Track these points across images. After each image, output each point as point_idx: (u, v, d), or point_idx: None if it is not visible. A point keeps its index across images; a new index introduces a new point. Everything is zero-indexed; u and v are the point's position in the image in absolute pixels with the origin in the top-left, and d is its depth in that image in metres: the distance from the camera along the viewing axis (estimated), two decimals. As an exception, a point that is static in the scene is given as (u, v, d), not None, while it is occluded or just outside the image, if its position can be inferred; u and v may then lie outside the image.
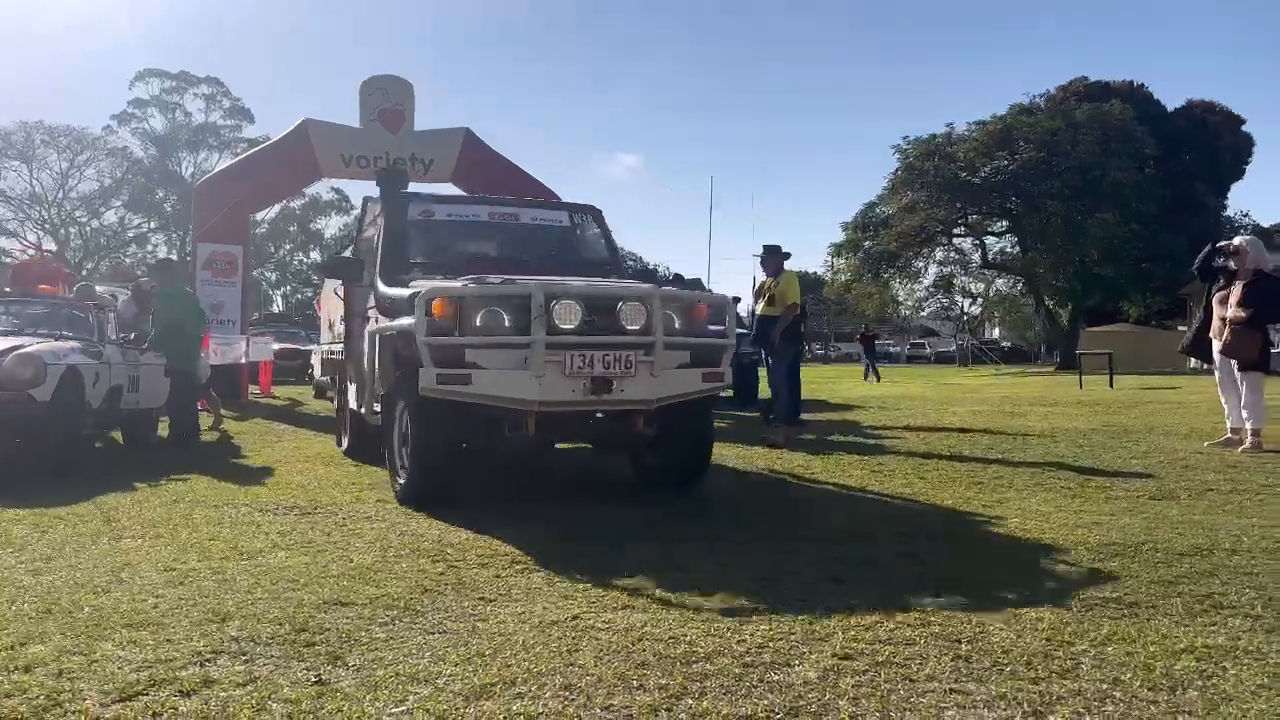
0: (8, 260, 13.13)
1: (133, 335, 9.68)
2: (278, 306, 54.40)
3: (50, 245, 48.69)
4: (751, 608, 3.93)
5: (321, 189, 50.80)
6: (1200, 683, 3.08)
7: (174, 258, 12.71)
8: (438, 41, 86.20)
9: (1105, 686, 3.04)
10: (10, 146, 48.35)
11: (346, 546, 5.09)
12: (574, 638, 3.55)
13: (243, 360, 15.59)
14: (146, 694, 2.97)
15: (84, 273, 39.45)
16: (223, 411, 12.00)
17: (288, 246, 55.98)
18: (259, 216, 29.01)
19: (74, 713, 2.82)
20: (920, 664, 3.26)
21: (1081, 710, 2.86)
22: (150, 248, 50.95)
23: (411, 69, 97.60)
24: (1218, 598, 4.03)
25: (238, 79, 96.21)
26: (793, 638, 3.54)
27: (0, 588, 4.16)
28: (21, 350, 7.39)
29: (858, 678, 3.13)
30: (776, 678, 3.14)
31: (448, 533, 5.47)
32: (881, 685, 3.06)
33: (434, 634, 3.61)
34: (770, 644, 3.46)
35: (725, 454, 8.78)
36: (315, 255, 55.75)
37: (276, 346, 19.61)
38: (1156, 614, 3.82)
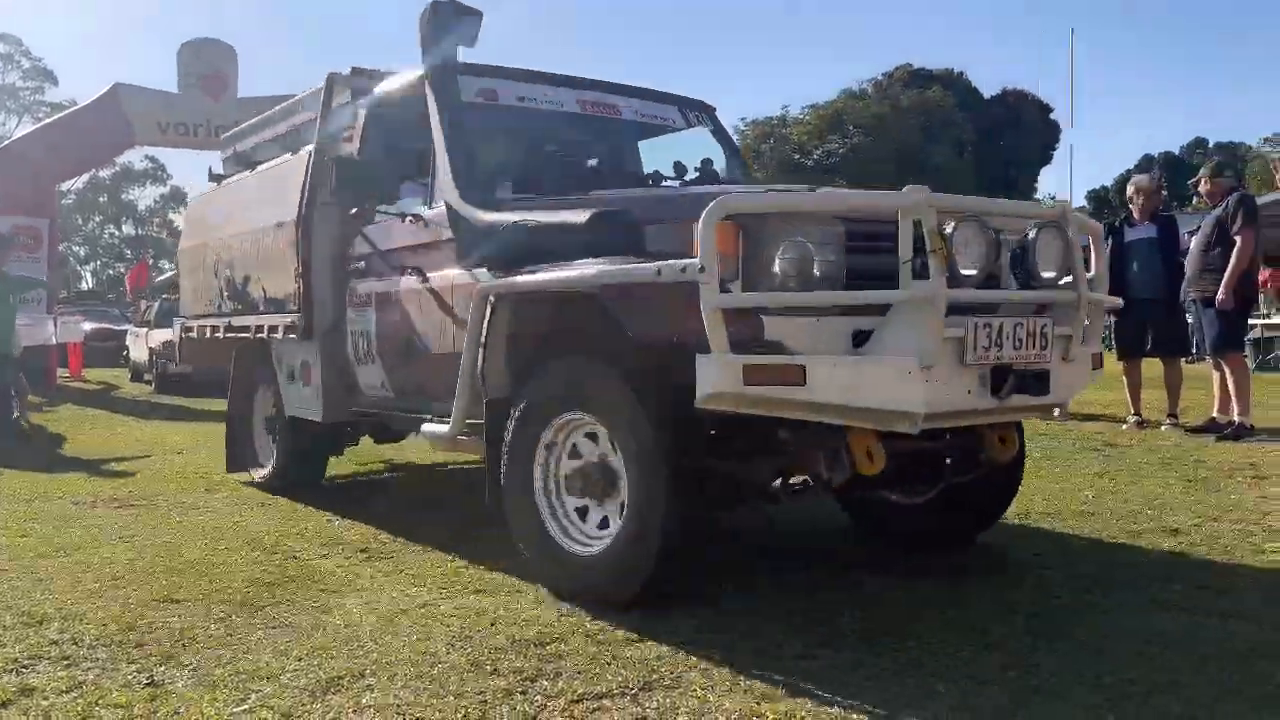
0: None
1: None
2: (88, 283, 50.75)
3: None
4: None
5: (134, 157, 47.57)
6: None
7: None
8: (261, 5, 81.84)
9: None
10: None
11: (175, 540, 4.82)
12: (425, 625, 3.49)
13: (51, 342, 14.48)
14: (-46, 709, 2.74)
15: None
16: (31, 398, 11.10)
17: (98, 219, 52.28)
18: (65, 187, 26.92)
19: None
20: (766, 634, 3.36)
21: None
22: (-63, 219, 46.58)
23: (234, 34, 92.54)
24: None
25: (39, 38, 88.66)
26: (646, 613, 3.58)
27: None
28: None
29: (710, 650, 3.21)
30: (630, 654, 3.18)
31: (286, 522, 5.26)
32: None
33: (275, 628, 3.47)
34: (625, 620, 3.50)
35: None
36: (128, 229, 52.30)
37: (89, 327, 18.33)
38: None
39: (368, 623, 3.52)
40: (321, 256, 5.45)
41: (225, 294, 6.41)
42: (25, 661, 3.10)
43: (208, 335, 6.75)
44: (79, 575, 4.13)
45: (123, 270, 49.02)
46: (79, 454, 8.08)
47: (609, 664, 3.10)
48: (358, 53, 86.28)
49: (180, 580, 4.06)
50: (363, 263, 5.27)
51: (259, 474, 6.43)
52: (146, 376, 15.26)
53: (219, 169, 7.12)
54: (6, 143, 19.04)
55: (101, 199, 51.10)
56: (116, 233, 53.19)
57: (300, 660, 3.13)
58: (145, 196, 52.69)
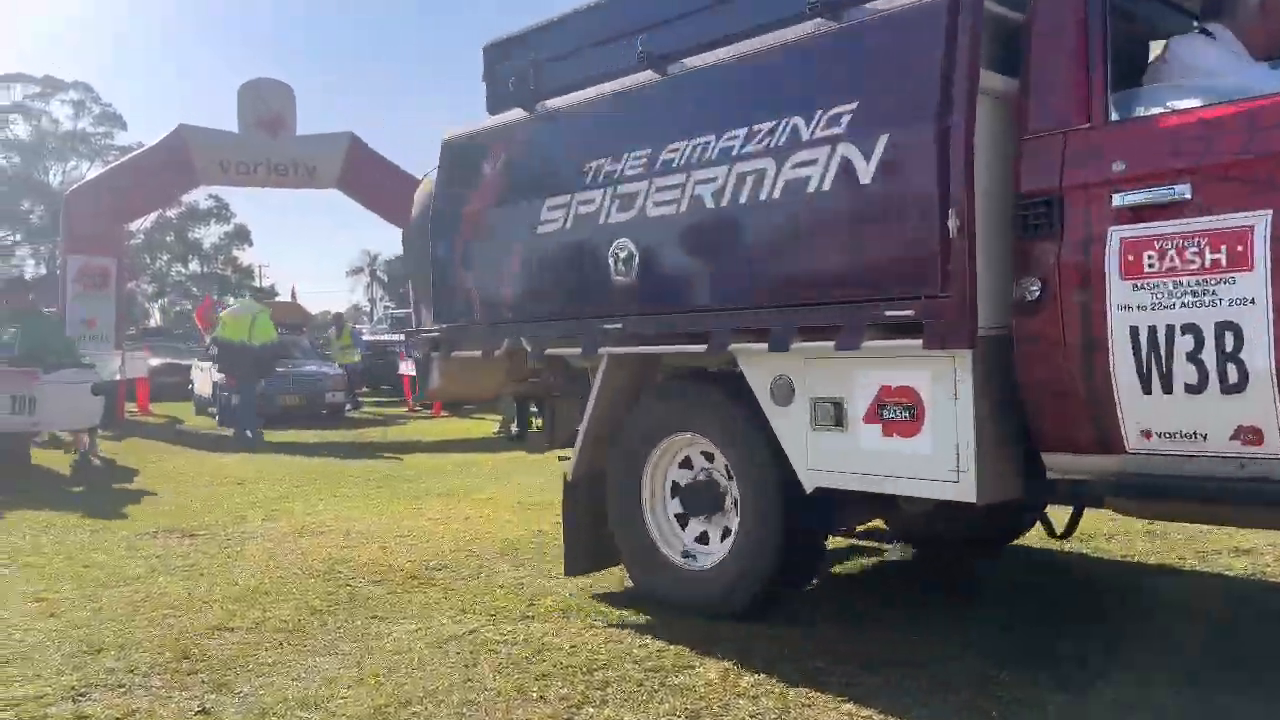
0: None
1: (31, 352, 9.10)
2: (156, 320, 52.23)
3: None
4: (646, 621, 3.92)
5: (199, 197, 48.93)
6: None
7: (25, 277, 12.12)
8: (316, 45, 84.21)
9: None
10: None
11: (231, 569, 4.89)
12: (472, 652, 3.49)
13: (118, 377, 14.88)
14: (13, 736, 2.80)
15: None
16: (101, 433, 11.41)
17: (165, 257, 53.83)
18: (133, 226, 27.85)
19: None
20: (817, 660, 3.29)
21: None
22: (15, 261, 48.28)
23: (292, 73, 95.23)
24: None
25: (108, 84, 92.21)
26: (693, 640, 3.54)
27: None
28: None
29: (756, 677, 3.15)
30: (678, 681, 3.14)
31: (339, 551, 5.31)
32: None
33: (325, 656, 3.49)
34: (671, 648, 3.46)
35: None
36: (194, 266, 53.71)
37: (156, 362, 18.81)
38: None
39: (416, 650, 3.52)
40: (989, 190, 3.05)
41: (621, 276, 3.90)
42: (82, 690, 3.16)
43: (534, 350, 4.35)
44: (138, 604, 4.20)
45: (189, 306, 50.42)
46: (143, 486, 8.26)
47: (656, 691, 3.06)
48: (403, 95, 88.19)
49: (235, 608, 4.11)
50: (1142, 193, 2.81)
51: (660, 581, 4.07)
52: (210, 410, 15.59)
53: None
54: (78, 185, 19.73)
55: (169, 238, 52.63)
56: (183, 270, 54.67)
57: (349, 688, 3.14)
58: (210, 234, 54.12)
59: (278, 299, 31.78)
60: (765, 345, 3.41)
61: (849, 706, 2.89)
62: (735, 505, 3.79)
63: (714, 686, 3.08)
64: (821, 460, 3.43)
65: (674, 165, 3.73)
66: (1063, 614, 3.85)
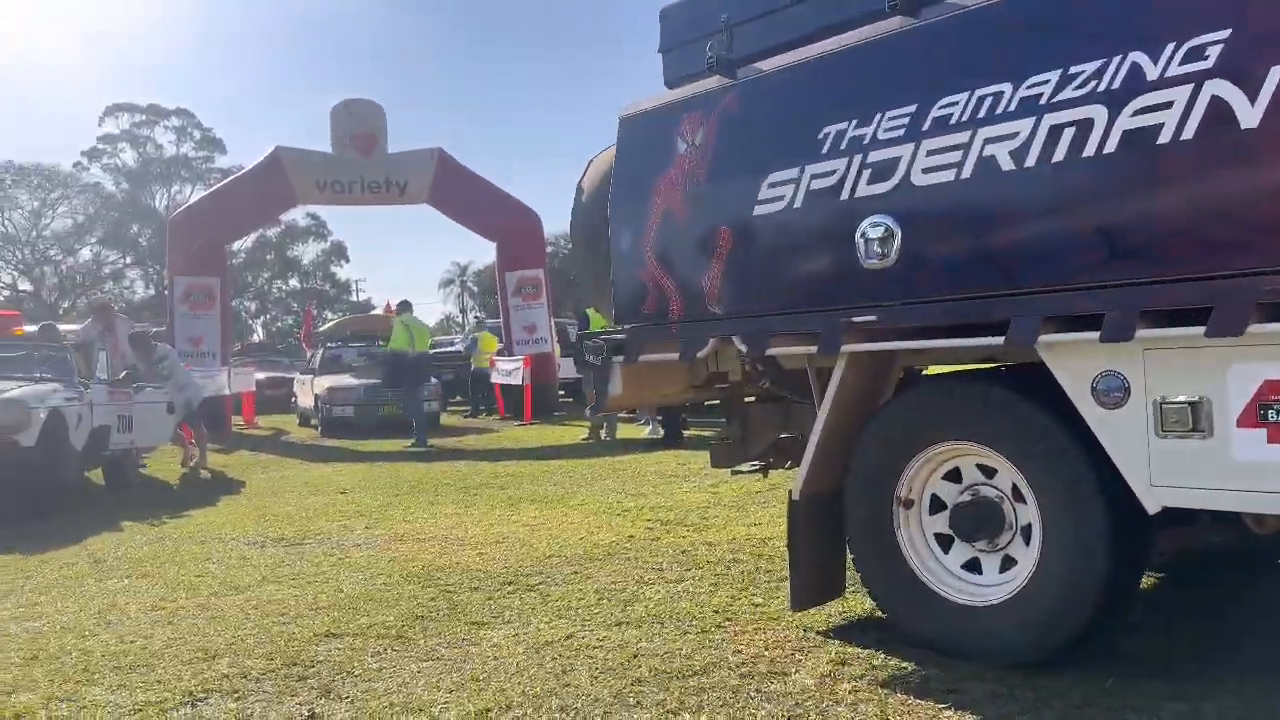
0: None
1: (123, 374, 9.57)
2: (259, 335, 54.12)
3: (26, 286, 48.42)
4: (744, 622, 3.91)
5: (297, 215, 50.60)
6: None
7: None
8: (407, 61, 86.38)
9: None
10: (-21, 188, 48.03)
11: (336, 577, 5.05)
12: (569, 657, 3.53)
13: (226, 392, 15.49)
14: (138, 738, 2.93)
15: (60, 312, 39.11)
16: (210, 446, 11.90)
17: (266, 275, 55.79)
18: (235, 246, 28.96)
19: (64, 762, 2.78)
20: (917, 665, 3.24)
21: None
22: (126, 283, 50.66)
23: (381, 91, 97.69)
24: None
25: (208, 109, 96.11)
26: (788, 645, 3.52)
27: (-14, 637, 4.10)
28: (5, 395, 7.31)
29: (853, 684, 3.12)
30: (774, 688, 3.13)
31: (438, 557, 5.43)
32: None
33: (427, 661, 3.58)
34: (765, 654, 3.45)
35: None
36: (294, 283, 55.56)
37: (261, 376, 19.51)
38: None
39: (514, 655, 3.58)
40: None
41: (874, 259, 3.35)
42: (199, 694, 3.30)
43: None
44: (249, 611, 4.37)
45: (290, 322, 52.17)
46: (251, 496, 8.58)
47: (752, 698, 3.05)
48: (492, 110, 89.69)
49: (341, 615, 4.24)
50: None
51: (920, 615, 3.46)
52: (313, 421, 16.12)
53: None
54: (181, 209, 20.60)
55: (269, 256, 54.55)
56: (283, 287, 56.62)
57: (451, 693, 3.21)
58: (308, 251, 55.96)
59: (374, 312, 32.65)
60: (1089, 334, 2.83)
61: (950, 714, 2.84)
62: (1026, 529, 3.20)
63: (810, 693, 3.06)
64: (1172, 475, 2.80)
65: (951, 122, 3.14)
66: (1185, 620, 3.71)
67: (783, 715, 2.90)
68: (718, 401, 5.23)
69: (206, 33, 77.63)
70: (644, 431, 11.97)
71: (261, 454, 12.45)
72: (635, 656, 3.49)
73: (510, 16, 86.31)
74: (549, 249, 21.94)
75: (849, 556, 3.71)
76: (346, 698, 3.22)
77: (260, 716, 3.07)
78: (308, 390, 16.53)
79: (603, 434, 11.83)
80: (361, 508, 7.45)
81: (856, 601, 3.98)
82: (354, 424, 14.73)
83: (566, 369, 16.35)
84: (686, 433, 11.21)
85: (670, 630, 3.81)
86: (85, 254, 51.95)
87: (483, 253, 57.99)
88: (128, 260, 51.67)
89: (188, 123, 52.36)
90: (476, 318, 26.65)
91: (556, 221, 52.52)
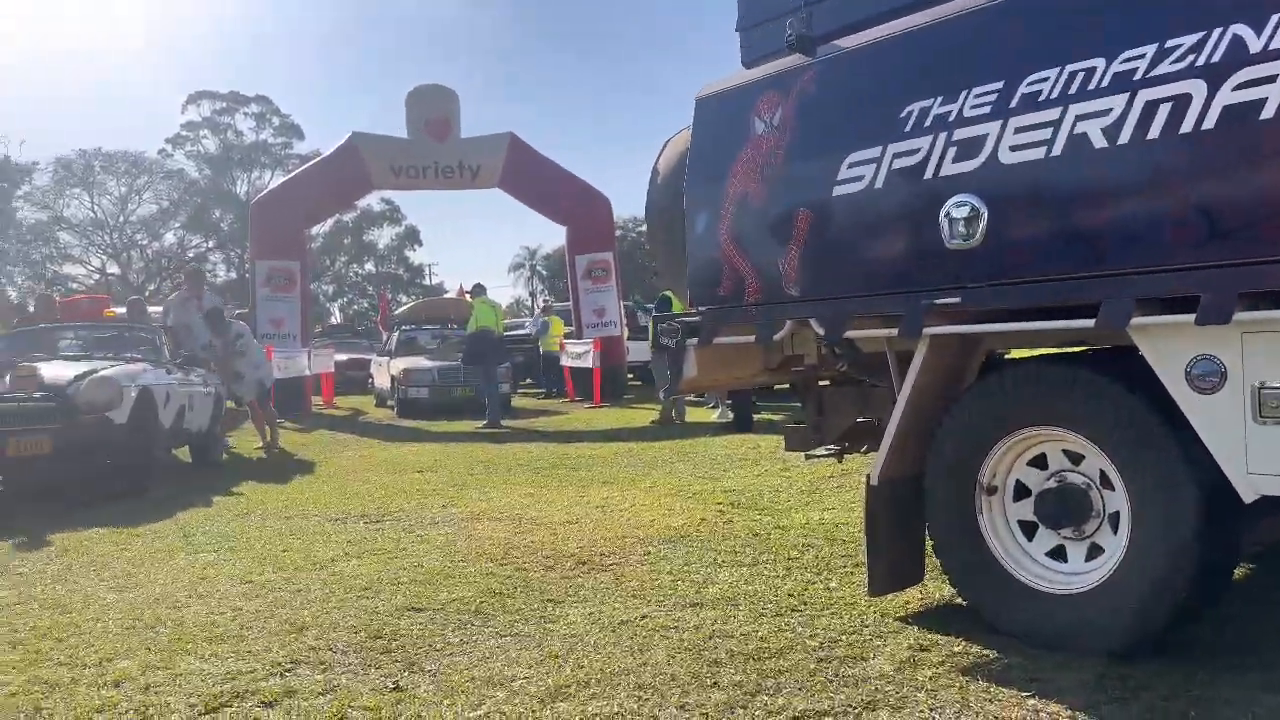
0: (58, 298, 13.56)
1: (186, 353, 9.83)
2: (336, 318, 55.37)
3: (114, 269, 50.19)
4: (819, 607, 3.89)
5: (373, 200, 51.49)
6: None
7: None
8: (481, 47, 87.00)
9: None
10: (72, 175, 49.79)
11: (415, 553, 5.15)
12: (645, 637, 3.56)
13: (306, 373, 15.87)
14: (231, 706, 3.04)
15: (147, 294, 40.47)
16: (286, 423, 12.21)
17: (343, 259, 56.97)
18: (313, 231, 29.62)
19: (163, 725, 2.90)
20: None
21: None
22: (209, 266, 52.12)
23: (455, 77, 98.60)
24: None
25: (285, 95, 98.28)
26: (865, 630, 3.50)
27: (86, 605, 4.28)
28: (98, 374, 7.60)
29: (934, 671, 3.09)
30: (852, 672, 3.11)
31: (513, 536, 5.51)
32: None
33: (505, 637, 3.64)
34: (842, 639, 3.44)
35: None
36: (369, 267, 56.66)
37: (342, 357, 19.94)
38: None
39: (591, 633, 3.62)
40: None
41: (958, 239, 3.28)
42: (288, 666, 3.40)
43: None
44: (333, 586, 4.49)
45: (366, 305, 53.22)
46: (332, 475, 8.80)
47: (830, 681, 3.04)
48: (564, 91, 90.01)
49: (422, 590, 4.33)
50: None
51: (1003, 603, 3.42)
52: (389, 402, 16.43)
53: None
54: (262, 194, 21.12)
55: (345, 240, 55.68)
56: (359, 271, 57.79)
57: (530, 668, 3.26)
58: (383, 236, 57.02)
59: (446, 295, 33.12)
60: (1184, 317, 2.76)
61: (1033, 703, 2.80)
62: (1114, 517, 3.15)
63: (889, 678, 3.04)
64: (1270, 462, 2.71)
65: (1041, 99, 3.08)
66: None
67: (861, 699, 2.88)
68: (789, 386, 5.17)
69: (283, 20, 79.28)
70: (713, 415, 11.95)
71: (339, 433, 12.73)
72: (711, 637, 3.51)
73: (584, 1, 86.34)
74: (618, 233, 21.98)
75: (928, 542, 3.68)
76: (429, 671, 3.29)
77: (347, 687, 3.16)
78: (384, 372, 16.85)
79: (674, 416, 11.85)
80: (438, 487, 7.59)
81: (935, 589, 3.93)
82: (428, 405, 14.97)
83: (635, 352, 16.41)
84: (756, 417, 11.16)
85: (745, 613, 3.81)
86: (170, 238, 53.59)
87: (552, 236, 58.31)
88: (210, 244, 53.18)
89: (266, 109, 53.55)
90: (545, 301, 26.82)
91: (626, 206, 52.78)
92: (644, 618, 3.80)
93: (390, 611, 4.02)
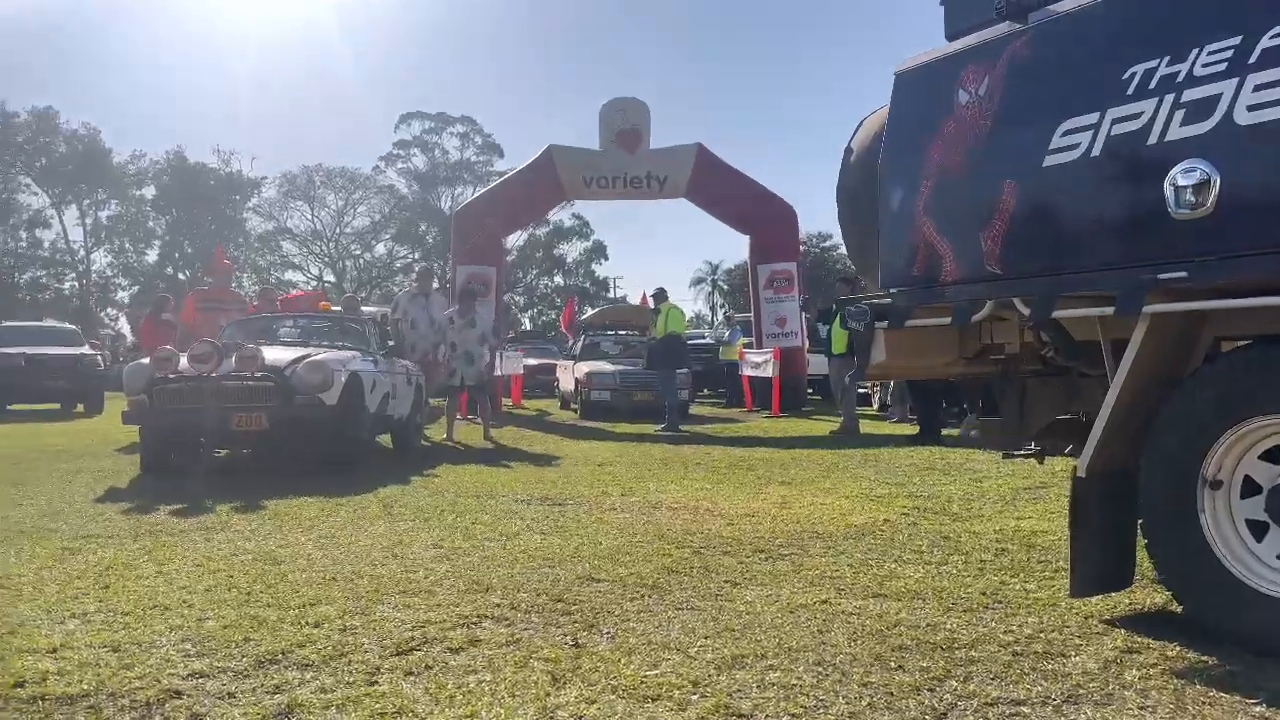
0: (280, 295, 14.86)
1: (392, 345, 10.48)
2: (527, 326, 57.50)
3: (330, 277, 53.98)
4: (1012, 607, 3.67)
5: (563, 216, 53.20)
6: None
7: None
8: (669, 58, 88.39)
9: None
10: (296, 189, 54.00)
11: (595, 532, 5.23)
12: (824, 620, 3.46)
13: (497, 374, 16.50)
14: (419, 649, 3.16)
15: (361, 297, 43.35)
16: (476, 420, 12.76)
17: (534, 272, 59.08)
18: (508, 243, 30.85)
19: (357, 662, 3.04)
20: (1219, 661, 2.91)
21: None
22: (414, 276, 55.29)
23: (642, 89, 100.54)
24: None
25: (487, 116, 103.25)
26: (1066, 630, 3.27)
27: (293, 559, 4.58)
28: (312, 358, 8.16)
29: (1144, 671, 2.85)
30: (1051, 667, 2.91)
31: (690, 524, 5.50)
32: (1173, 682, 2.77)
33: (682, 610, 3.62)
34: (1041, 635, 3.22)
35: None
36: (558, 279, 58.53)
37: (532, 362, 20.66)
38: None
39: (768, 612, 3.56)
40: None
41: (1185, 208, 3.03)
42: (474, 620, 3.51)
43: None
44: (517, 555, 4.61)
45: (554, 316, 54.92)
46: (518, 464, 9.09)
47: (1027, 673, 2.86)
48: (752, 100, 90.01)
49: (600, 564, 4.39)
50: None
51: (1222, 606, 3.13)
52: (573, 404, 16.85)
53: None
54: (464, 204, 22.16)
55: (537, 254, 57.76)
56: (549, 283, 59.81)
57: (706, 639, 3.23)
58: (572, 250, 58.82)
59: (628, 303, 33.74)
60: None
61: (1261, 709, 2.52)
62: None
63: (1093, 675, 2.82)
64: None
65: None
66: None
67: (1061, 693, 2.69)
68: (974, 394, 4.81)
69: (488, 42, 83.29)
70: (887, 426, 11.60)
71: (526, 430, 13.15)
72: (895, 625, 3.37)
73: (772, 9, 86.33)
74: (801, 246, 21.69)
75: (1140, 542, 3.39)
76: (607, 633, 3.32)
77: (528, 641, 3.23)
78: (569, 374, 17.29)
79: (855, 428, 11.56)
80: (617, 478, 7.69)
81: (1145, 595, 3.64)
82: (610, 407, 15.24)
83: (815, 365, 16.12)
84: (943, 431, 10.73)
85: (932, 606, 3.64)
86: (380, 249, 57.12)
87: (733, 251, 58.39)
88: (416, 255, 56.30)
89: (471, 129, 56.38)
90: (726, 315, 26.86)
91: (809, 220, 52.21)
92: (824, 602, 3.70)
93: (571, 580, 4.08)
